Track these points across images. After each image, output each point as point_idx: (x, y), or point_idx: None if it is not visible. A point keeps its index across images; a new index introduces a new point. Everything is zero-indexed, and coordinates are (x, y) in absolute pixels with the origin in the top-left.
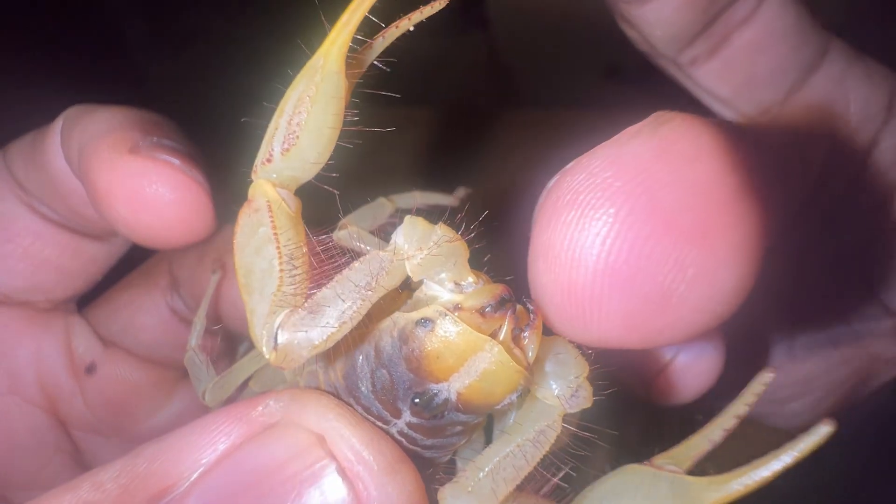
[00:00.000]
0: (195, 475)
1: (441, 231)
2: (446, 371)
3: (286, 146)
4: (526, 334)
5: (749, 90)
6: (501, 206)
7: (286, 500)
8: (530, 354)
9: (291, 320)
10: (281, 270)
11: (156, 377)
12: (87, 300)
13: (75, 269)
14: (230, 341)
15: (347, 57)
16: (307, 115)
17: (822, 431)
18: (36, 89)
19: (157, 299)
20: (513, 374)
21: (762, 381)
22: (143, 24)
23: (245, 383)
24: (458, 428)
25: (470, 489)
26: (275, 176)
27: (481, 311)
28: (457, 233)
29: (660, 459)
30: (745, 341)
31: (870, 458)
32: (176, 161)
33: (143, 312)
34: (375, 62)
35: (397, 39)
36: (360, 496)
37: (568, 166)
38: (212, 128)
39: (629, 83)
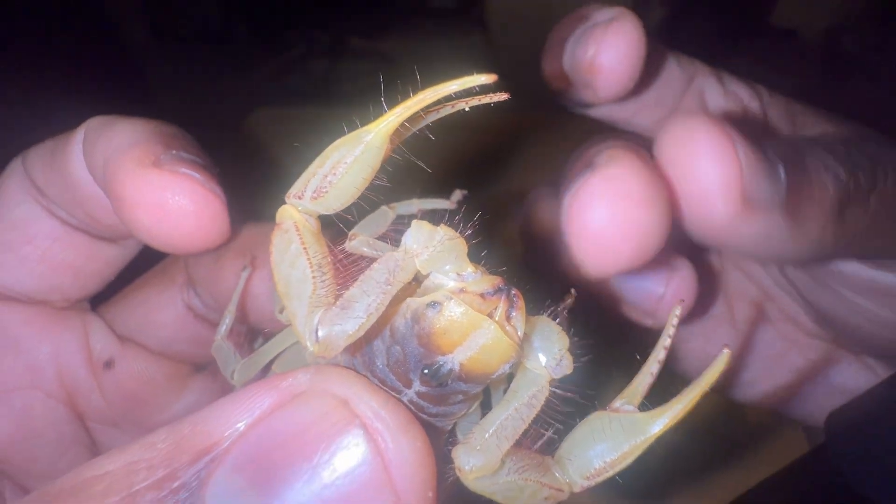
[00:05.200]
0: (236, 435)
1: (443, 231)
2: (451, 345)
3: (315, 195)
4: (514, 314)
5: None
6: (500, 208)
7: (316, 452)
8: (519, 331)
9: (327, 317)
10: (313, 277)
11: (170, 371)
12: (99, 299)
13: (90, 270)
14: (248, 336)
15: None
16: (341, 178)
17: (724, 355)
18: (42, 93)
19: (173, 296)
20: (506, 347)
21: (674, 313)
22: (144, 27)
23: (269, 367)
24: (460, 397)
25: (479, 447)
26: (300, 208)
27: (482, 295)
28: (457, 232)
29: (617, 401)
30: None
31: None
32: (196, 175)
33: (160, 309)
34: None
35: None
36: (379, 448)
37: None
38: (212, 128)
39: None
